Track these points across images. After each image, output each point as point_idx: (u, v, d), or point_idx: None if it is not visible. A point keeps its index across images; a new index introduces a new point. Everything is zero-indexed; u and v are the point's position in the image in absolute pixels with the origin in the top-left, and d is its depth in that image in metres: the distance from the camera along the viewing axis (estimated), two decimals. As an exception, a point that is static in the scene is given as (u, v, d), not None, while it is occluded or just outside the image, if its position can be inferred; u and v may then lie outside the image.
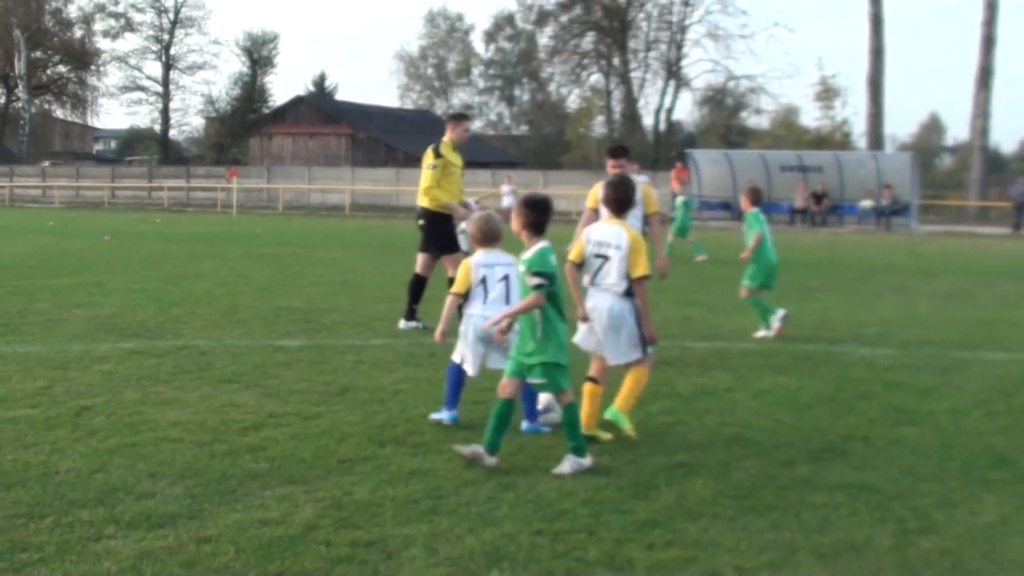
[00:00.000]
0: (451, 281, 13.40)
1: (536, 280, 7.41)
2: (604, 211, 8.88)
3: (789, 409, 9.55)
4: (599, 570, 5.61)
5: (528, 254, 7.57)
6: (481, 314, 8.57)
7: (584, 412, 8.22)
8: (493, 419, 7.53)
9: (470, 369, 8.78)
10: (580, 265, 8.57)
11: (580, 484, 7.12)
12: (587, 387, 8.49)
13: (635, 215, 10.76)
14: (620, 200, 8.61)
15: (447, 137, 14.44)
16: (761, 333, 13.85)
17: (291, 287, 18.88)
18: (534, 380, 7.65)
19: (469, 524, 6.27)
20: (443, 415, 8.92)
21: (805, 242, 37.03)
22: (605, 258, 8.41)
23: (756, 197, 14.37)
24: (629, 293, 8.39)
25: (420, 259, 14.39)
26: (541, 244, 7.56)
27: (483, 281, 8.72)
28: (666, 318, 15.57)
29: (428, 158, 14.19)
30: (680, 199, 29.45)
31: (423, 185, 14.19)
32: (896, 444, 8.38)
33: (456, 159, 14.34)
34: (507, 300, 8.58)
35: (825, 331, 14.46)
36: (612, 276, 8.37)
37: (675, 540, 6.08)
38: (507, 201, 45.69)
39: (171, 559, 5.62)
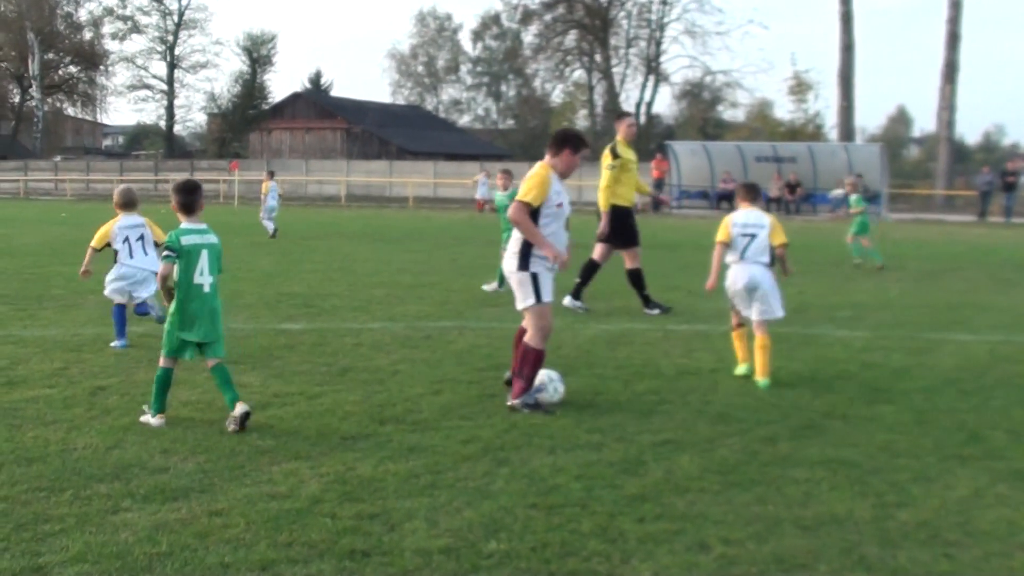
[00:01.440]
0: (628, 272, 14.54)
1: (165, 252, 7.95)
2: (738, 200, 10.34)
3: (770, 388, 9.53)
4: (592, 542, 5.59)
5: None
6: (130, 264, 11.05)
7: (741, 350, 10.17)
8: (154, 384, 7.95)
9: (120, 299, 11.11)
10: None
11: (572, 460, 7.10)
12: (736, 332, 10.18)
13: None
14: (754, 192, 10.33)
15: (619, 136, 14.65)
16: (492, 286, 16.46)
17: (292, 274, 18.83)
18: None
19: (467, 498, 6.26)
20: (116, 344, 11.01)
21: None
22: (753, 236, 9.90)
23: (511, 179, 17.27)
24: (770, 264, 9.97)
25: (598, 248, 14.68)
26: (183, 225, 7.99)
27: (126, 240, 11.05)
28: (650, 302, 15.56)
29: (607, 158, 14.44)
30: (855, 196, 24.27)
31: (603, 184, 14.47)
32: (873, 421, 8.38)
33: (630, 155, 14.54)
34: (145, 252, 11.11)
35: (801, 314, 14.42)
36: (760, 250, 9.89)
37: (664, 513, 6.06)
38: (481, 191, 48.16)
39: (185, 530, 5.60)
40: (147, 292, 11.12)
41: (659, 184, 51.89)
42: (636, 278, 14.57)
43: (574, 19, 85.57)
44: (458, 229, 33.98)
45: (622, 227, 14.49)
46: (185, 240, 7.81)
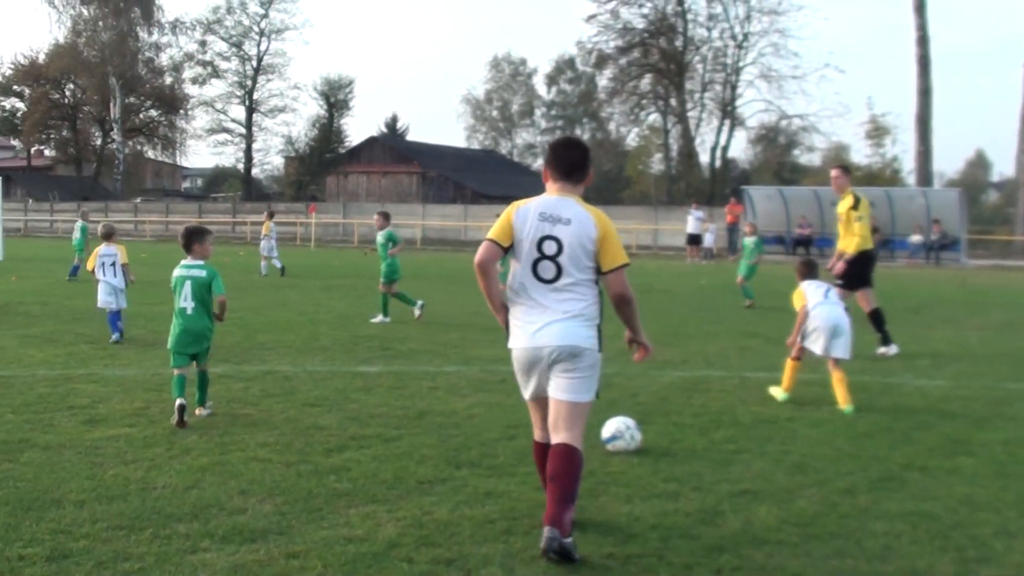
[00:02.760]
0: (871, 311, 15.40)
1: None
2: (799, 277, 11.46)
3: (848, 438, 9.41)
4: (669, 591, 5.56)
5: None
6: (104, 280, 15.25)
7: (790, 379, 11.13)
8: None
9: (103, 305, 15.30)
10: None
11: (649, 509, 7.06)
12: (796, 364, 11.10)
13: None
14: (813, 269, 11.50)
15: None
16: (417, 312, 18.36)
17: (367, 316, 18.96)
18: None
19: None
20: (114, 336, 14.82)
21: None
22: (828, 288, 11.21)
23: (387, 220, 19.34)
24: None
25: (859, 296, 15.43)
26: (182, 262, 10.02)
27: (103, 263, 15.31)
28: (724, 348, 15.50)
29: None
30: (751, 239, 24.30)
31: None
32: (953, 473, 8.24)
33: (839, 205, 15.94)
34: (115, 275, 15.31)
35: (880, 362, 14.26)
36: (837, 295, 11.31)
37: (742, 565, 6.00)
38: None
39: (263, 572, 5.66)
40: (118, 300, 15.23)
41: (732, 228, 51.62)
42: (874, 317, 15.35)
43: (649, 63, 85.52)
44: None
45: (856, 270, 15.31)
46: (175, 273, 9.94)
